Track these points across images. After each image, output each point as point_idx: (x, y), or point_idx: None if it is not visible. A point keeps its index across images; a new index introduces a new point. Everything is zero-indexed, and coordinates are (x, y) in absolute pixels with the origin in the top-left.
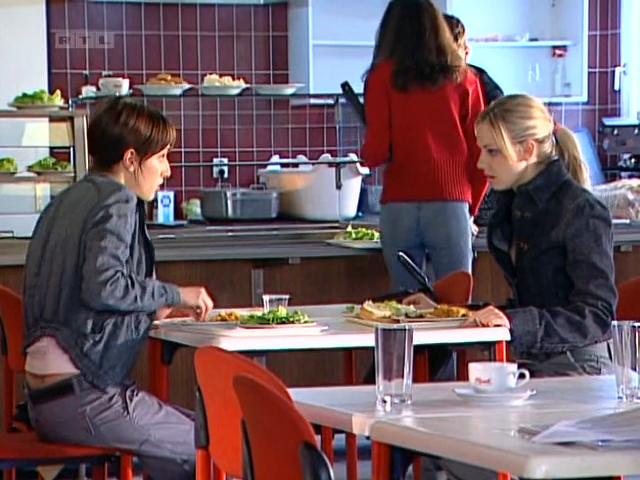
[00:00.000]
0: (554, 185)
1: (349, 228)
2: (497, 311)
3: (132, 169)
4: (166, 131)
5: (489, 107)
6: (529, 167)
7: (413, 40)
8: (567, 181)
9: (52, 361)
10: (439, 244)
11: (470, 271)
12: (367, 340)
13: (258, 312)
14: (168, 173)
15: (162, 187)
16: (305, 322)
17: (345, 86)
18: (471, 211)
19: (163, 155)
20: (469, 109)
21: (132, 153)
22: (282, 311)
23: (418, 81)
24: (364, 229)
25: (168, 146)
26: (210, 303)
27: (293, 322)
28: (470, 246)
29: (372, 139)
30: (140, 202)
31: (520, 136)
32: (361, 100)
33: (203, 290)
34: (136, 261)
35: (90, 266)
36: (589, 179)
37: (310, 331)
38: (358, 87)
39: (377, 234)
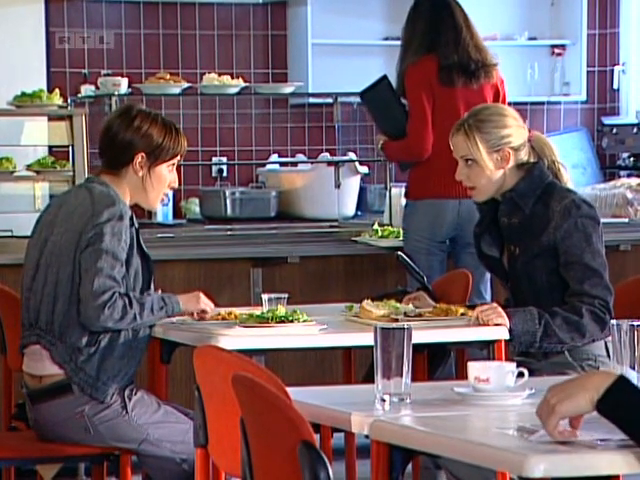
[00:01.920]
0: (538, 188)
1: (375, 226)
2: (500, 309)
3: (141, 174)
4: (178, 140)
5: (463, 118)
6: (508, 174)
7: (452, 36)
8: (551, 183)
9: (49, 363)
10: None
11: None
12: (366, 339)
13: (257, 311)
14: (176, 185)
15: None
16: (304, 321)
17: (384, 79)
18: None
19: (173, 165)
20: None
21: (142, 157)
22: (281, 310)
23: (464, 77)
24: (390, 227)
25: (178, 157)
26: (211, 306)
27: (292, 321)
28: None
29: (414, 134)
30: (132, 216)
31: (496, 145)
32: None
33: (202, 295)
34: (133, 274)
35: (87, 289)
36: (571, 180)
37: (309, 330)
38: (357, 86)
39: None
